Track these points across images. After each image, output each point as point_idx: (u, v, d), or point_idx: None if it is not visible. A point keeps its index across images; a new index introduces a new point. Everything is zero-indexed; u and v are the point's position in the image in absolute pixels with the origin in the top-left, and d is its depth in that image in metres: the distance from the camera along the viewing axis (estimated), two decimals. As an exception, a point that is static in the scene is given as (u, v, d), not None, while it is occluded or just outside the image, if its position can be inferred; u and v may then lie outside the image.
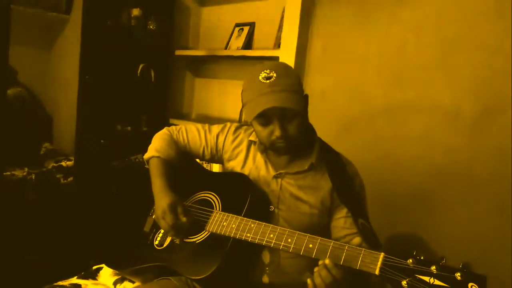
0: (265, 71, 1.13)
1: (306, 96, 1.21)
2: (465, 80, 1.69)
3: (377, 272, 0.86)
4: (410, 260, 0.82)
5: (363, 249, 0.91)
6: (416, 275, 0.80)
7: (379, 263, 0.87)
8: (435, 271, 0.78)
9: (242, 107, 1.21)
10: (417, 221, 1.79)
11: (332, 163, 1.23)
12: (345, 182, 1.20)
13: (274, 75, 1.12)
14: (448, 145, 1.73)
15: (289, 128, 1.14)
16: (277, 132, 1.13)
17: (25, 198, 2.37)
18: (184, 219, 1.17)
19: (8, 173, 2.36)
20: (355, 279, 0.98)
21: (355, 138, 2.00)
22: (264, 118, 1.13)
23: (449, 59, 1.73)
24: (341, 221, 1.21)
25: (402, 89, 1.86)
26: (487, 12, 1.63)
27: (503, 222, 1.56)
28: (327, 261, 0.94)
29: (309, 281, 0.97)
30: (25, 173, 2.43)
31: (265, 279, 1.18)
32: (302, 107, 1.14)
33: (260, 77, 1.13)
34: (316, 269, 0.96)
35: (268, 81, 1.11)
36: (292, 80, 1.15)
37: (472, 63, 1.67)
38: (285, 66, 1.21)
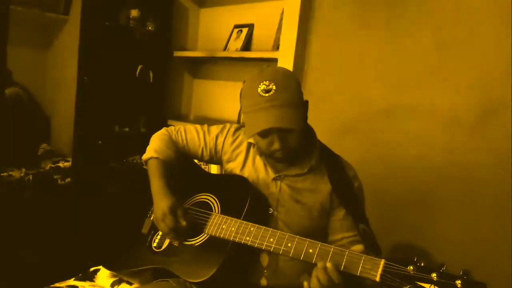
0: (264, 82, 1.10)
1: (306, 103, 1.19)
2: (464, 82, 1.69)
3: (377, 278, 0.86)
4: (411, 267, 0.82)
5: (364, 255, 0.91)
6: (417, 282, 0.80)
7: (379, 270, 0.87)
8: (435, 278, 0.78)
9: (241, 109, 1.21)
10: (416, 223, 1.79)
11: (332, 165, 1.23)
12: (344, 185, 1.20)
13: (274, 87, 1.09)
14: (447, 147, 1.73)
15: (289, 140, 1.13)
16: (276, 145, 1.12)
17: (23, 199, 2.36)
18: (184, 222, 1.17)
19: (6, 173, 2.35)
20: (350, 283, 0.97)
21: (354, 140, 2.00)
22: (263, 131, 1.11)
23: (447, 62, 1.73)
24: (338, 224, 1.21)
25: (401, 91, 1.87)
26: (485, 15, 1.64)
27: (503, 224, 1.57)
28: (328, 264, 0.93)
29: (305, 284, 0.96)
30: (22, 174, 2.42)
31: (263, 281, 1.17)
32: (301, 123, 1.13)
33: (259, 89, 1.10)
34: (314, 272, 0.95)
35: (267, 94, 1.08)
36: (292, 93, 1.12)
37: (471, 65, 1.67)
38: (285, 74, 1.16)
